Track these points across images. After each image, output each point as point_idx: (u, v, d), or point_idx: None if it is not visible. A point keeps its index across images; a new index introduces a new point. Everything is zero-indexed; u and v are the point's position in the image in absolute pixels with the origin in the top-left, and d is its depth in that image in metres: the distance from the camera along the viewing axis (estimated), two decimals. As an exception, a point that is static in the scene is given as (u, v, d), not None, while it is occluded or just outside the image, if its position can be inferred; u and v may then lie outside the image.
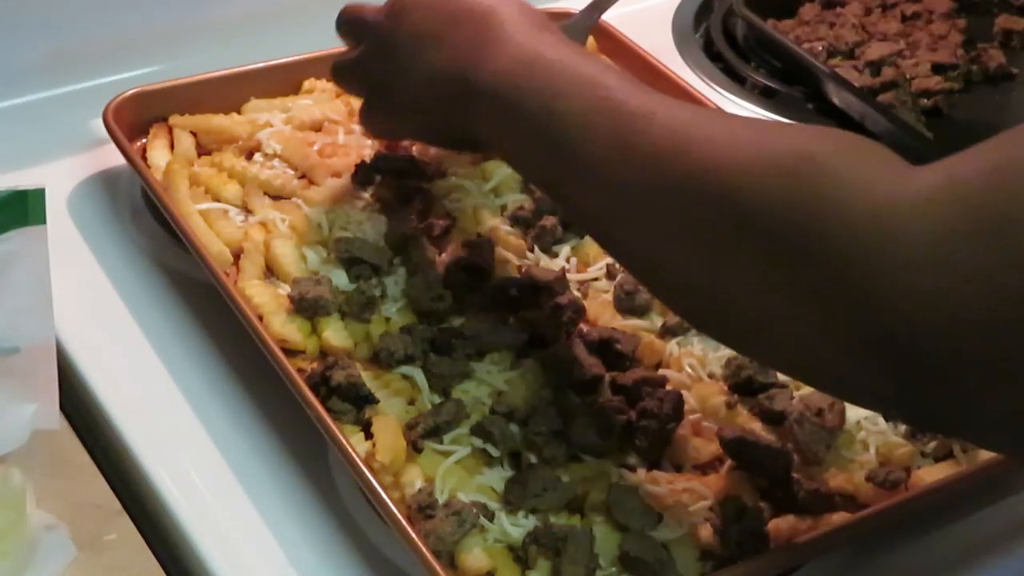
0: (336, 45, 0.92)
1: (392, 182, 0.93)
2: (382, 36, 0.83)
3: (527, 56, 0.72)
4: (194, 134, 0.97)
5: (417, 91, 0.80)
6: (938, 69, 1.17)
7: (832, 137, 0.61)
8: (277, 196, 0.92)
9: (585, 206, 0.70)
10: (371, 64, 0.85)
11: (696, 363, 0.84)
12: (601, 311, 0.86)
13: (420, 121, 0.84)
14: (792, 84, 1.17)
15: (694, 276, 0.63)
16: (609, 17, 1.08)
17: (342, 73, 0.89)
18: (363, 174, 0.93)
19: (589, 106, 0.67)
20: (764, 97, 1.16)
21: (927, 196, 0.54)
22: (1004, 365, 0.52)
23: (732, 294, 0.61)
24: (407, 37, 0.81)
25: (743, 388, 0.82)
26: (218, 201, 0.91)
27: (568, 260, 0.91)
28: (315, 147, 0.96)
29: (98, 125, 0.93)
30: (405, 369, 0.80)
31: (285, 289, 0.84)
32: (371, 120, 0.90)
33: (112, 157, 0.95)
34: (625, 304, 0.87)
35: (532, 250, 0.91)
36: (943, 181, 0.54)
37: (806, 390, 0.82)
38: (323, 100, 1.00)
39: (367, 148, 0.96)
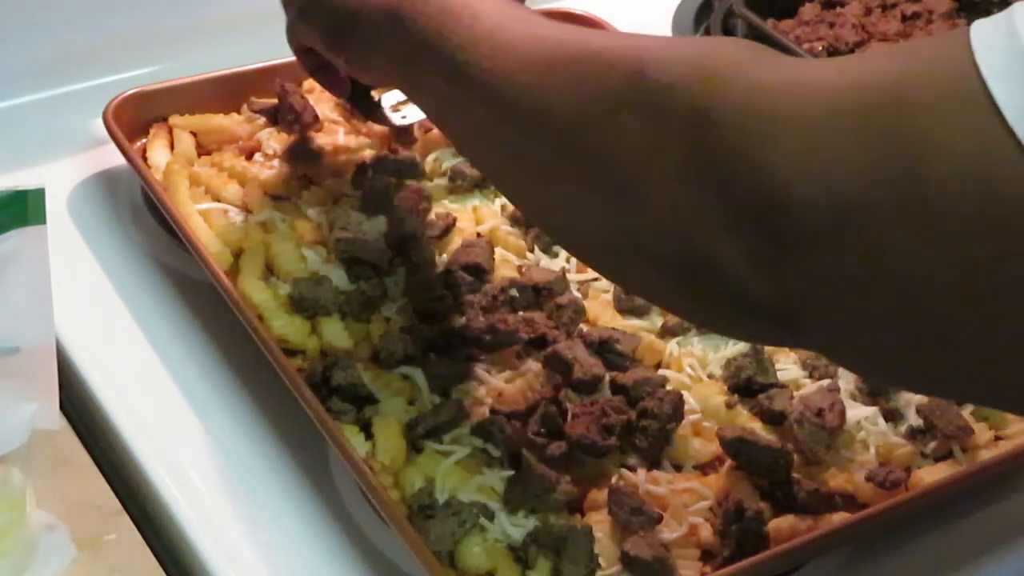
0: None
1: (392, 182, 0.93)
2: None
3: None
4: (194, 134, 0.97)
5: (347, 11, 0.79)
6: (938, 69, 1.17)
7: (737, 39, 0.64)
8: (277, 196, 0.92)
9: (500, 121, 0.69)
10: None
11: (696, 363, 0.84)
12: (601, 311, 0.86)
13: (347, 41, 0.81)
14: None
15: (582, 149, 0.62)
16: (609, 17, 1.08)
17: None
18: (363, 174, 0.94)
19: (505, 13, 0.68)
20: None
21: (820, 78, 0.55)
22: (863, 249, 0.52)
23: (615, 166, 0.61)
24: None
25: (743, 388, 0.82)
26: (218, 201, 0.91)
27: (568, 260, 0.91)
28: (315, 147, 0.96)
29: (98, 125, 0.93)
30: (405, 369, 0.80)
31: (285, 289, 0.84)
32: (297, 36, 0.88)
33: (112, 157, 0.95)
34: (625, 304, 0.87)
35: (532, 250, 0.91)
36: (840, 66, 0.57)
37: (806, 390, 0.82)
38: (323, 100, 1.00)
39: (367, 148, 0.96)
